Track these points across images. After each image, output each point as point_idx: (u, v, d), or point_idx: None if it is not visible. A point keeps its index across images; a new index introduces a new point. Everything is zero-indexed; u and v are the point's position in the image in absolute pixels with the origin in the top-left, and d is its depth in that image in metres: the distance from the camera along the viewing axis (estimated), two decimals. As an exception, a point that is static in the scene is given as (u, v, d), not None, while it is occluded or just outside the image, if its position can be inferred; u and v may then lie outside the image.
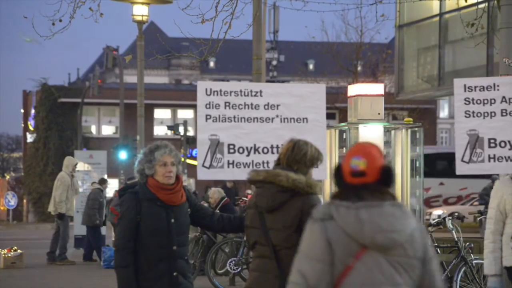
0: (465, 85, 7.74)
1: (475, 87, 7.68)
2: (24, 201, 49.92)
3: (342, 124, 15.19)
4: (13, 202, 45.27)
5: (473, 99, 7.65)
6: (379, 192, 4.33)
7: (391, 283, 4.28)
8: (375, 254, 4.31)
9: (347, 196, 4.33)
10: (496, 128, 7.53)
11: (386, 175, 4.35)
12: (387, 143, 14.99)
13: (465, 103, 7.67)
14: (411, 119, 16.80)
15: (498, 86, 7.62)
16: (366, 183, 4.33)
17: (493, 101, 7.58)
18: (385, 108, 15.12)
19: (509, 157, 7.50)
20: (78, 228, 22.06)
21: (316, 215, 4.39)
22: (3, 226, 43.48)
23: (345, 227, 4.28)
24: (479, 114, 7.61)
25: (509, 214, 7.42)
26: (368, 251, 4.31)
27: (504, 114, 7.54)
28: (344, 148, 14.62)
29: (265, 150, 7.42)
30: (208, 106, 7.38)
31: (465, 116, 7.66)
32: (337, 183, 4.42)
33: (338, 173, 4.41)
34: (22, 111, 57.23)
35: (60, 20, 14.55)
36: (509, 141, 7.50)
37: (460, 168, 7.66)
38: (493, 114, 7.56)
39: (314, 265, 4.30)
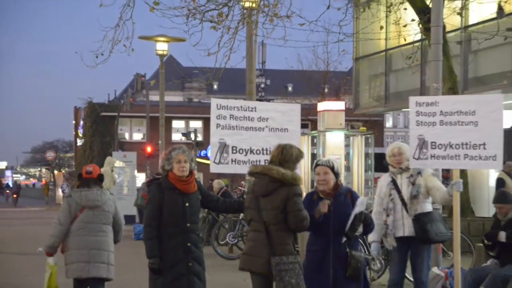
0: (416, 101, 7.74)
1: (423, 103, 7.70)
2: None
3: (313, 132, 15.17)
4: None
5: (421, 112, 7.65)
6: (97, 181, 7.61)
7: (94, 221, 7.52)
8: (89, 210, 7.54)
9: (81, 185, 7.59)
10: (436, 134, 7.53)
11: (101, 176, 7.68)
12: (347, 146, 14.98)
13: (416, 115, 7.66)
14: (365, 128, 16.79)
15: (438, 102, 7.63)
16: (92, 178, 7.61)
17: (434, 114, 7.58)
18: (345, 120, 15.09)
19: (443, 156, 7.54)
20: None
21: (66, 194, 7.83)
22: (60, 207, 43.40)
23: (76, 199, 7.55)
24: (425, 123, 7.61)
25: (384, 200, 7.67)
26: (85, 209, 7.52)
27: (441, 124, 7.54)
28: (315, 149, 14.60)
29: (258, 152, 7.44)
30: (218, 117, 7.39)
31: (416, 125, 7.65)
32: (79, 179, 7.66)
33: (80, 175, 7.65)
34: (74, 122, 57.07)
35: (102, 54, 14.55)
36: (443, 144, 7.52)
37: (413, 163, 7.69)
38: (434, 123, 7.56)
39: (63, 215, 7.58)
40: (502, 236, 8.45)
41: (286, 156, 6.17)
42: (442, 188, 7.76)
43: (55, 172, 63.74)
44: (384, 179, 7.82)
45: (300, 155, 6.24)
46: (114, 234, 7.72)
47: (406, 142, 9.20)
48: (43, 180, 73.91)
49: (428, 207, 7.71)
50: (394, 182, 7.67)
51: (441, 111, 7.52)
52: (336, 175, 6.38)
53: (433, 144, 7.53)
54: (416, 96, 11.19)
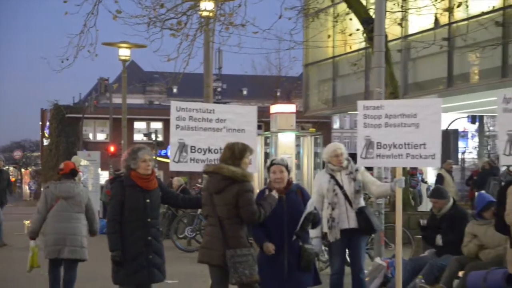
0: (364, 105, 7.75)
1: (370, 106, 7.71)
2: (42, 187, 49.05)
3: (266, 132, 15.23)
4: (34, 187, 44.55)
5: (368, 115, 7.66)
6: (69, 176, 8.27)
7: (67, 210, 8.11)
8: (63, 201, 8.14)
9: (59, 179, 8.22)
10: (381, 135, 7.56)
11: (73, 171, 8.27)
12: (297, 145, 15.07)
13: (363, 117, 7.67)
14: (314, 129, 16.93)
15: (383, 106, 7.65)
16: (65, 173, 8.23)
17: (380, 116, 7.59)
18: (296, 122, 15.18)
19: (388, 155, 7.58)
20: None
21: (44, 186, 8.35)
22: (27, 203, 42.81)
23: (51, 190, 8.17)
24: (371, 125, 7.62)
25: (326, 196, 7.63)
26: (60, 200, 8.14)
27: (386, 126, 7.57)
28: (268, 148, 14.64)
29: (216, 151, 7.40)
30: (178, 118, 7.35)
31: (364, 126, 7.66)
32: (57, 175, 8.25)
33: (58, 172, 8.31)
34: (40, 123, 56.17)
35: (67, 59, 14.43)
36: (388, 144, 7.56)
37: (360, 162, 7.72)
38: (379, 125, 7.58)
39: (41, 204, 8.22)
40: (439, 240, 8.63)
41: (232, 154, 6.15)
42: (376, 182, 7.90)
43: (22, 170, 62.65)
44: (323, 176, 7.77)
45: (244, 149, 6.16)
46: (89, 223, 8.35)
47: (353, 142, 9.28)
48: (11, 178, 72.60)
49: (363, 201, 7.82)
50: (334, 178, 7.71)
51: (386, 114, 7.56)
52: (288, 173, 6.44)
53: (379, 144, 7.58)
54: (361, 100, 11.28)
